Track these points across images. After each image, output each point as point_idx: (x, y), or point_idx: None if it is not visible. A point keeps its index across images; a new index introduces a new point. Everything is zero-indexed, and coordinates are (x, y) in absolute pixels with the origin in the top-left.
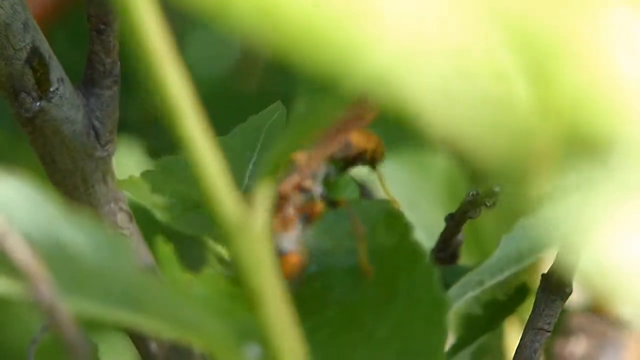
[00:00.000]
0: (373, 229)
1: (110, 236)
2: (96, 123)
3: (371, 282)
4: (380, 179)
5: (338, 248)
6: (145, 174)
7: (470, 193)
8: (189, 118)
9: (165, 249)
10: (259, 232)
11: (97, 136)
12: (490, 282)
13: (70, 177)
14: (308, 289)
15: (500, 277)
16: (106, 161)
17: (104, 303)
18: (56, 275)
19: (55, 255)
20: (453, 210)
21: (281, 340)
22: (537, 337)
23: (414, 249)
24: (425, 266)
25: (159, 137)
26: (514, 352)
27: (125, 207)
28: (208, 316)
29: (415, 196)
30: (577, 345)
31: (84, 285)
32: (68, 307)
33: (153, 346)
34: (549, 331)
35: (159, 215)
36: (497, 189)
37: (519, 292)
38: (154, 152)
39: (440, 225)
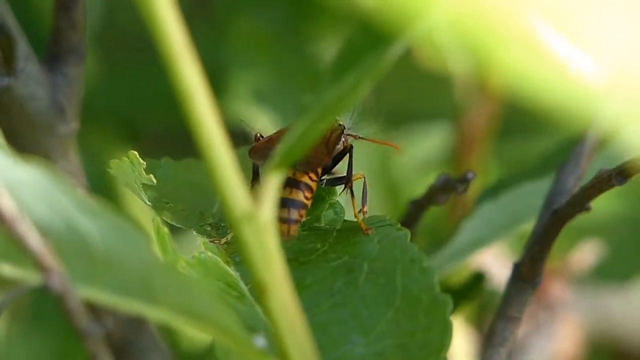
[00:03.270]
0: (366, 236)
1: (126, 225)
2: (62, 100)
3: (366, 280)
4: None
5: (327, 249)
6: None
7: (441, 178)
8: (203, 115)
9: (163, 232)
10: (267, 223)
11: (62, 113)
12: (448, 267)
13: (32, 153)
14: (300, 284)
15: (458, 263)
16: (69, 138)
17: (117, 292)
18: (70, 263)
19: (69, 243)
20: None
21: (288, 329)
22: (508, 324)
23: (408, 251)
24: (422, 267)
25: None
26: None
27: (84, 182)
28: (220, 307)
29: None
30: None
31: (97, 273)
32: (81, 295)
33: (110, 321)
34: (519, 318)
35: (148, 204)
36: (470, 175)
37: (475, 280)
38: None
39: None
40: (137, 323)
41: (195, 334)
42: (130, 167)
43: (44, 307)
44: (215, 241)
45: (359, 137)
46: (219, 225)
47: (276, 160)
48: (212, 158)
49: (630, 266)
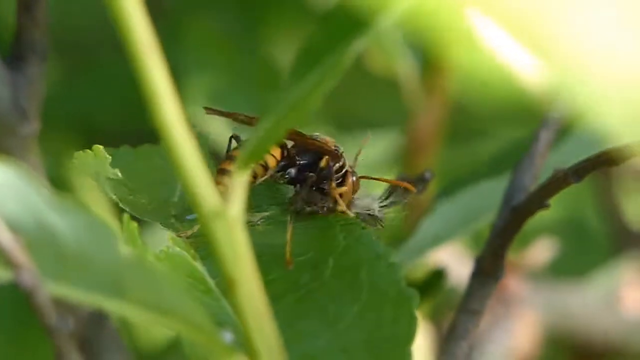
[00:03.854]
0: (332, 232)
1: (96, 222)
2: (23, 100)
3: (332, 275)
4: None
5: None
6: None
7: (399, 177)
8: (170, 115)
9: (132, 226)
10: (235, 219)
11: (24, 114)
12: (407, 264)
13: None
14: (265, 279)
15: (416, 260)
16: (31, 139)
17: (87, 289)
18: (41, 260)
19: (40, 240)
20: None
21: (255, 324)
22: (470, 317)
23: (374, 247)
24: (388, 263)
25: None
26: None
27: (46, 183)
28: (190, 303)
29: None
30: None
31: (68, 269)
32: (50, 292)
33: (70, 320)
34: (481, 312)
35: (113, 197)
36: (428, 175)
37: (435, 277)
38: None
39: None
40: (97, 321)
41: (156, 332)
42: (94, 160)
43: None
44: (181, 234)
45: (370, 177)
46: (183, 217)
47: (242, 159)
48: (179, 154)
49: (584, 263)
